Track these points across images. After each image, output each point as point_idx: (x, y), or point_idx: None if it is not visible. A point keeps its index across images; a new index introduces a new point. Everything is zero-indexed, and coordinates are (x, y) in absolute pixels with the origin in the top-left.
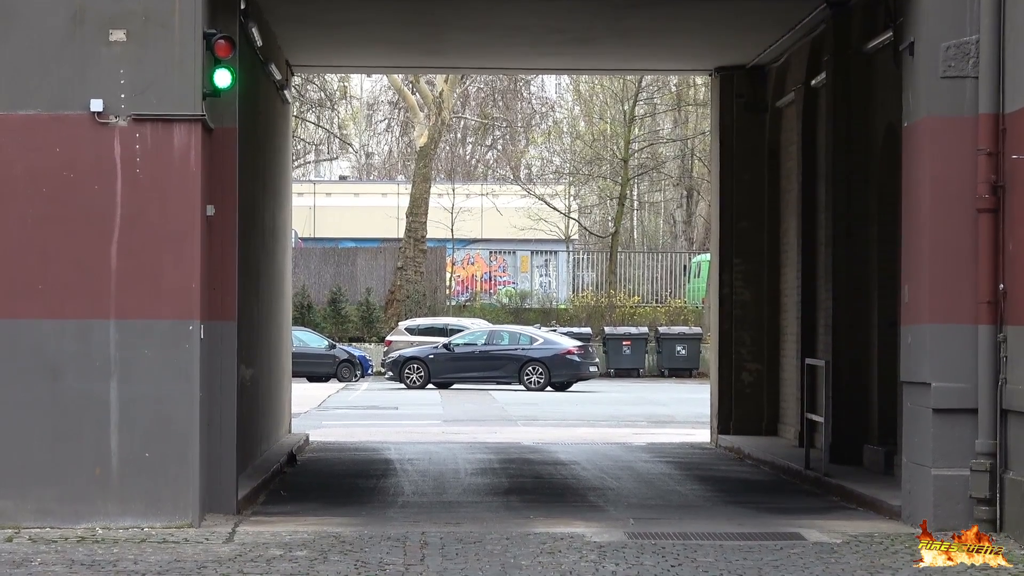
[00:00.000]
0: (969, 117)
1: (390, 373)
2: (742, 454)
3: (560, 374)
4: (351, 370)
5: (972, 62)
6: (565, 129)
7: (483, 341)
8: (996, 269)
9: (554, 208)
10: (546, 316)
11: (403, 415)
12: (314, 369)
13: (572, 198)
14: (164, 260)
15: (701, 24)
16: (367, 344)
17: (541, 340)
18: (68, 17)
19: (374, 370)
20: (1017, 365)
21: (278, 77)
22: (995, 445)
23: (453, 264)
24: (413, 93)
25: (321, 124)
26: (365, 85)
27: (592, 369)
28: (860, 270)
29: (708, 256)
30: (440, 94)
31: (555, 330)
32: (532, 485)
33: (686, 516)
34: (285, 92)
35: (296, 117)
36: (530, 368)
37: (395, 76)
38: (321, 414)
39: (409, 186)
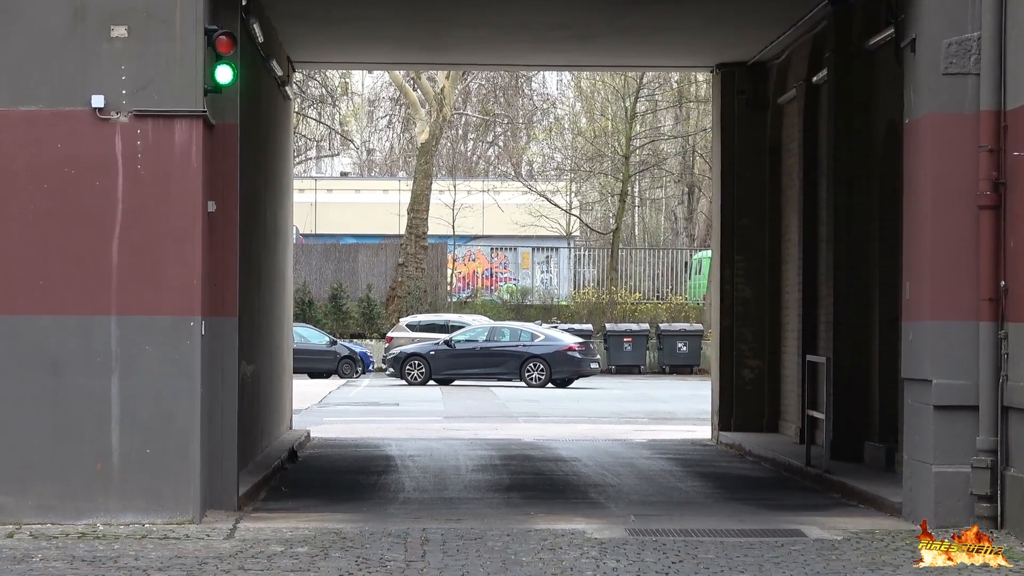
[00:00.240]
0: (970, 114)
1: (391, 369)
2: (743, 451)
3: (561, 371)
4: (352, 366)
5: (973, 59)
6: (566, 125)
7: (484, 338)
8: (997, 266)
9: (555, 205)
10: (547, 313)
11: (404, 411)
12: (315, 365)
13: (573, 195)
14: (165, 256)
15: (702, 21)
16: (368, 340)
17: (542, 337)
18: (69, 13)
19: (375, 366)
20: (1018, 362)
21: (279, 73)
22: (996, 442)
23: (454, 260)
24: (414, 89)
25: (322, 120)
26: (366, 81)
27: (593, 366)
28: (861, 267)
29: (709, 253)
30: (441, 90)
31: (556, 327)
32: (533, 481)
33: (687, 513)
34: (286, 88)
35: (297, 113)
36: (531, 365)
37: (396, 72)
38: (322, 410)
39: (410, 182)
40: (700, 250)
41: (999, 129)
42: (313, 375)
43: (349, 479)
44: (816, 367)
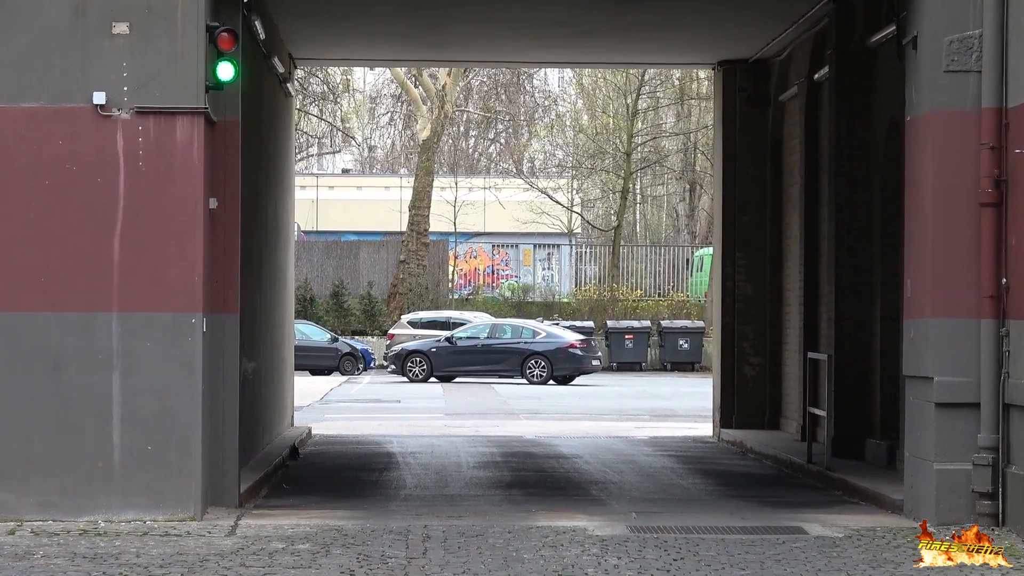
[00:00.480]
0: (972, 111)
1: (392, 366)
2: (744, 448)
3: (562, 368)
4: (353, 363)
5: (975, 56)
6: (568, 123)
7: (485, 335)
8: (999, 263)
9: (557, 202)
10: (548, 310)
11: (405, 408)
12: (316, 362)
13: (575, 192)
14: (167, 253)
15: (704, 18)
16: (369, 337)
17: (544, 334)
18: (71, 10)
19: (376, 363)
20: (1019, 359)
21: (281, 70)
22: (997, 439)
23: (456, 257)
24: (416, 86)
25: (324, 117)
26: (368, 78)
27: (594, 363)
28: (862, 264)
29: (711, 250)
30: (443, 87)
31: (557, 324)
32: (534, 479)
33: (688, 510)
34: (288, 85)
35: (299, 110)
36: (532, 362)
37: (398, 69)
38: (323, 407)
39: (412, 179)
40: (701, 247)
41: (1001, 126)
42: (314, 372)
43: (350, 476)
44: (817, 364)
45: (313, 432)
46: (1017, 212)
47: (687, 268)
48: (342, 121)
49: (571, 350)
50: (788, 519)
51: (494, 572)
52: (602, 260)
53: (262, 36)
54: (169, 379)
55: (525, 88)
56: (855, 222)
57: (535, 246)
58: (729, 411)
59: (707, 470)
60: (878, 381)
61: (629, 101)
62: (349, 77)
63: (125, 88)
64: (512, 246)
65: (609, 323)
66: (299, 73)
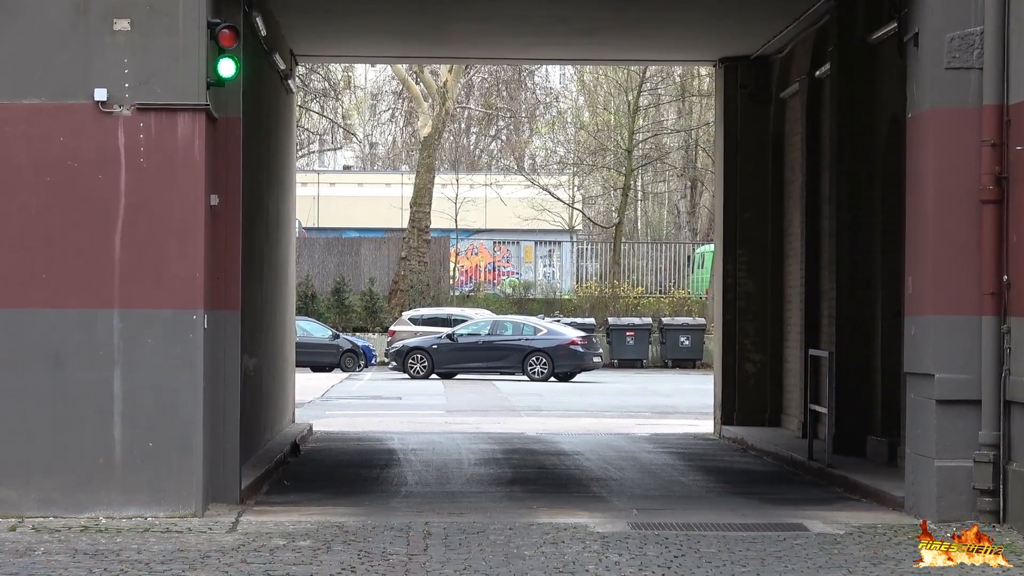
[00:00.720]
0: (973, 108)
1: (394, 363)
2: (745, 445)
3: (563, 364)
4: (355, 360)
5: (976, 53)
6: (569, 119)
7: (487, 331)
8: (1000, 260)
9: (558, 198)
10: (550, 306)
11: (407, 405)
12: (318, 359)
13: (576, 188)
14: (168, 250)
15: (705, 15)
16: (371, 334)
17: (545, 330)
18: (72, 7)
19: (378, 360)
20: (1020, 356)
21: (282, 67)
22: (998, 436)
23: (457, 254)
24: (417, 83)
25: (325, 114)
26: (369, 75)
27: (596, 360)
28: (864, 261)
29: (712, 247)
30: (444, 84)
31: (559, 320)
32: (535, 475)
33: (689, 507)
34: (289, 82)
35: (300, 107)
36: (533, 358)
37: (399, 66)
38: (324, 404)
39: (413, 176)
40: (703, 244)
41: (1002, 123)
42: (316, 368)
43: (352, 473)
44: (818, 361)
45: (314, 429)
46: (1018, 209)
47: (688, 265)
48: (343, 118)
49: (572, 347)
50: (789, 516)
51: (495, 569)
52: (603, 257)
53: (263, 32)
54: (170, 376)
55: (526, 85)
56: (856, 219)
57: (536, 243)
58: (730, 408)
59: (708, 467)
60: (879, 378)
61: (630, 98)
62: (350, 74)
63: (126, 85)
64: (513, 243)
65: (610, 320)
66: (300, 70)
